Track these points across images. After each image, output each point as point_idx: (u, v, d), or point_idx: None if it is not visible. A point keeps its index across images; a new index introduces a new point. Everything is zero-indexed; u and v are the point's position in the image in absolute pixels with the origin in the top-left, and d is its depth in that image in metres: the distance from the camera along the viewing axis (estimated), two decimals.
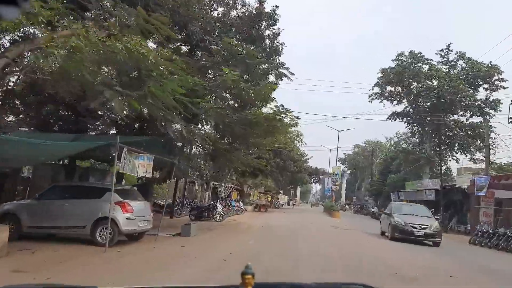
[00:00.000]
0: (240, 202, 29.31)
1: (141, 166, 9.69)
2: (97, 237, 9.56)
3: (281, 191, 60.69)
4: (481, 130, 34.13)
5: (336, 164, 49.08)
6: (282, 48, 16.43)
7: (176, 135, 11.40)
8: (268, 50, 15.99)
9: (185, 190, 21.85)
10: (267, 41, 16.11)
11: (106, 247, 8.95)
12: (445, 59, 40.36)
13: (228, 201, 26.48)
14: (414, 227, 15.95)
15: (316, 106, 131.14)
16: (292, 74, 14.04)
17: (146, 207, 10.94)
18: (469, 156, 40.11)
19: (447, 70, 39.41)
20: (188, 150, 15.66)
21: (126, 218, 9.82)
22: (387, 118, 43.06)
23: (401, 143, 56.50)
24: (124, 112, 9.46)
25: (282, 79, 14.35)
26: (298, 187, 71.50)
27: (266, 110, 15.09)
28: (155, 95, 8.71)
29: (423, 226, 16.01)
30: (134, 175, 10.24)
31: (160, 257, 9.25)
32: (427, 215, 17.72)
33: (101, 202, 9.61)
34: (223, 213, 20.02)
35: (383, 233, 18.53)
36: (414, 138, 52.79)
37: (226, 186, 32.45)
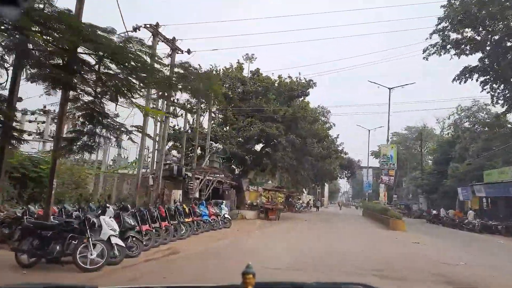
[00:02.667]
0: (223, 206, 16.63)
1: None
2: None
3: (304, 189, 47.42)
4: None
5: (388, 141, 32.70)
6: None
7: None
8: None
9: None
10: None
11: None
12: None
13: (194, 208, 14.11)
14: None
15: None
16: None
17: None
18: None
19: None
20: None
21: None
22: (454, 78, 29.53)
23: (463, 121, 42.38)
24: None
25: None
26: (325, 184, 57.75)
27: None
28: None
29: None
30: None
31: None
32: None
33: None
34: (124, 244, 7.58)
35: None
36: (480, 114, 39.03)
37: (208, 179, 19.96)
